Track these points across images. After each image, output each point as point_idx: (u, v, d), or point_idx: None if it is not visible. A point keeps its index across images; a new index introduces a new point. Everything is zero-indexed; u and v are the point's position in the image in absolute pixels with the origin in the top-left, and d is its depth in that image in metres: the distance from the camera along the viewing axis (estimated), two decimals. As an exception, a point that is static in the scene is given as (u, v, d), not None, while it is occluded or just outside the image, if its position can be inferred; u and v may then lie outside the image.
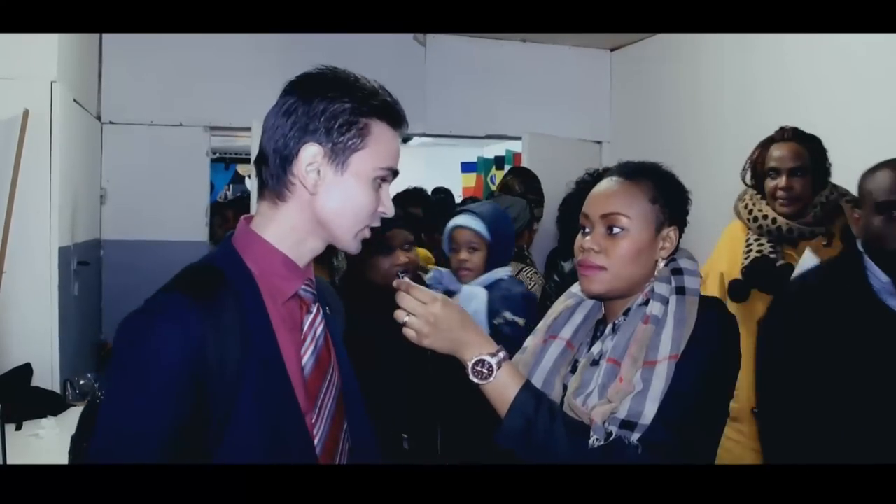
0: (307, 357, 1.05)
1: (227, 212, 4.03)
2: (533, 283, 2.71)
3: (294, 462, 1.00)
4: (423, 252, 2.53)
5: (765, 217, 2.08)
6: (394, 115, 1.05)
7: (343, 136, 1.00)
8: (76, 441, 1.26)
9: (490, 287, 2.06)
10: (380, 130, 1.03)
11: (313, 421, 1.04)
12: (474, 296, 2.01)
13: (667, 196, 1.27)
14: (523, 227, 2.96)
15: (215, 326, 0.94)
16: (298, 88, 1.03)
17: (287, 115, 1.01)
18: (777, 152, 2.07)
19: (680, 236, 1.29)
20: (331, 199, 1.02)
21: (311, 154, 1.00)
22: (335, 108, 1.00)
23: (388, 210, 1.08)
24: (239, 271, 1.01)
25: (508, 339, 1.57)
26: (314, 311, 1.08)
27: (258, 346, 0.98)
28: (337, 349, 1.13)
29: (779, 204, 2.06)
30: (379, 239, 1.75)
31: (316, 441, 1.04)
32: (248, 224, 1.06)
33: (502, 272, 2.13)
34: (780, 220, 2.06)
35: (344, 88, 1.01)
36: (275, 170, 1.02)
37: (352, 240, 1.06)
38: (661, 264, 1.26)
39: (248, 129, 4.31)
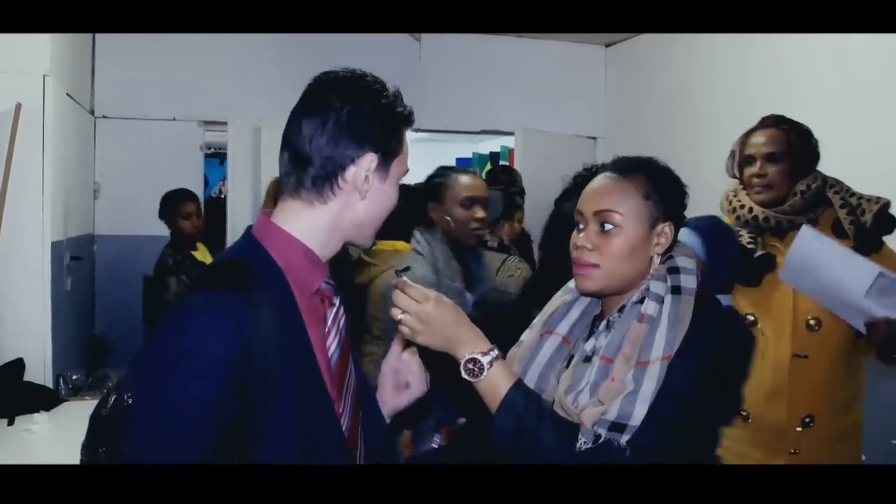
0: (333, 348, 1.08)
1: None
2: (519, 271, 2.67)
3: (328, 452, 1.03)
4: (403, 245, 2.48)
5: (741, 207, 2.04)
6: (412, 120, 1.12)
7: (389, 144, 1.07)
8: (87, 446, 1.21)
9: None
10: (405, 135, 1.10)
11: (340, 411, 1.07)
12: None
13: (661, 191, 1.26)
14: (499, 219, 3.22)
15: (256, 321, 0.95)
16: (341, 95, 1.04)
17: (339, 125, 1.03)
18: (753, 139, 2.03)
19: (677, 231, 1.28)
20: (373, 202, 1.07)
21: (367, 161, 1.04)
22: (383, 118, 1.05)
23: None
24: (266, 265, 1.03)
25: None
26: (336, 303, 1.11)
27: (291, 339, 1.00)
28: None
29: (754, 192, 2.01)
30: None
31: (343, 429, 1.07)
32: (269, 217, 1.07)
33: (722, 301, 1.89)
34: (756, 209, 2.00)
35: (382, 95, 1.07)
36: (321, 173, 1.03)
37: (373, 235, 1.12)
38: (657, 261, 1.25)
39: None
